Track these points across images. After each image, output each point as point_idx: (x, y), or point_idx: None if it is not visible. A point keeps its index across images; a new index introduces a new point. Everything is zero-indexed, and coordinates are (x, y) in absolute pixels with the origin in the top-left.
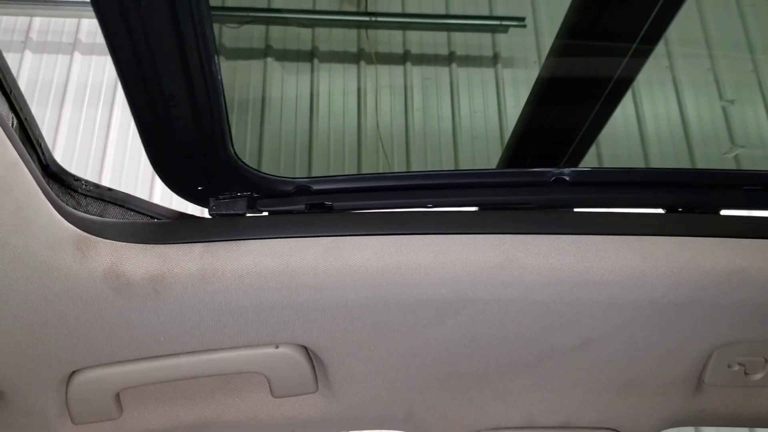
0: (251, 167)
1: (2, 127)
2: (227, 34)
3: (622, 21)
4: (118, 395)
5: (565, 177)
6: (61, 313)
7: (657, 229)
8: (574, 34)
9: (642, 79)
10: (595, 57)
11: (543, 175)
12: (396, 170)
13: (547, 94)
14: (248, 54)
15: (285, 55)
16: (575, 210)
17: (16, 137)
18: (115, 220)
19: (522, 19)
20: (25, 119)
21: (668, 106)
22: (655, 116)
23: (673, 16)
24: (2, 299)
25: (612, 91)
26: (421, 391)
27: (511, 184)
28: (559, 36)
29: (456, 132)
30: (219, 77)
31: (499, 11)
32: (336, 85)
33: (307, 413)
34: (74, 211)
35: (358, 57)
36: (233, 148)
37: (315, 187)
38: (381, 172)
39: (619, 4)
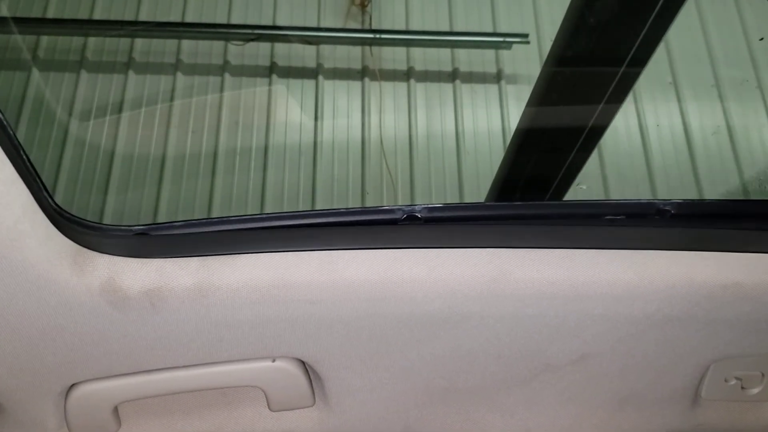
0: (79, 219)
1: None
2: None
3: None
4: (116, 408)
5: (416, 214)
6: (59, 326)
7: (650, 243)
8: (560, 65)
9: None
10: (580, 89)
11: (393, 212)
12: (250, 214)
13: (532, 129)
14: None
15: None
16: (569, 224)
17: (14, 153)
18: (112, 234)
19: (525, 35)
20: None
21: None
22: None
23: (654, 48)
24: (0, 312)
25: (593, 127)
26: (418, 406)
27: (363, 222)
28: (546, 64)
29: (459, 148)
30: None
31: (503, 28)
32: (340, 105)
33: (305, 427)
34: (72, 225)
35: (362, 74)
36: (54, 209)
37: (153, 233)
38: (226, 216)
39: (599, 42)
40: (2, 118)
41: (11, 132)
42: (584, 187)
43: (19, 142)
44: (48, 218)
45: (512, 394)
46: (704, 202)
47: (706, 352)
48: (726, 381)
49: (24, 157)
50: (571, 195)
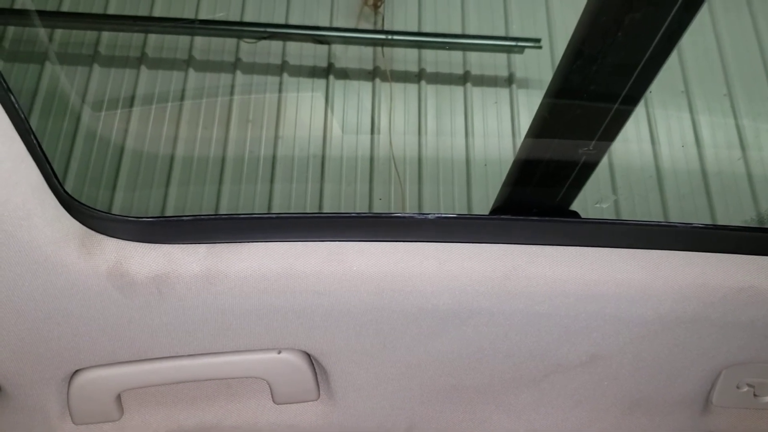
0: (89, 207)
1: (11, 119)
2: None
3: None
4: (119, 396)
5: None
6: (65, 310)
7: (664, 243)
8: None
9: None
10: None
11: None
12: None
13: (541, 136)
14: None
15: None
16: (582, 221)
17: (25, 131)
18: (121, 217)
19: (538, 40)
20: None
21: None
22: None
23: (654, 76)
24: (6, 293)
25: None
26: (424, 403)
27: (373, 216)
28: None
29: (469, 151)
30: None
31: (515, 32)
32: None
33: (308, 421)
34: (81, 207)
35: (373, 75)
36: (64, 191)
37: (162, 219)
38: (234, 213)
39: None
40: (15, 101)
41: (23, 115)
42: (604, 206)
43: (30, 126)
44: (57, 198)
45: (520, 395)
46: None
47: (718, 357)
48: (738, 388)
49: (35, 140)
50: (581, 208)
